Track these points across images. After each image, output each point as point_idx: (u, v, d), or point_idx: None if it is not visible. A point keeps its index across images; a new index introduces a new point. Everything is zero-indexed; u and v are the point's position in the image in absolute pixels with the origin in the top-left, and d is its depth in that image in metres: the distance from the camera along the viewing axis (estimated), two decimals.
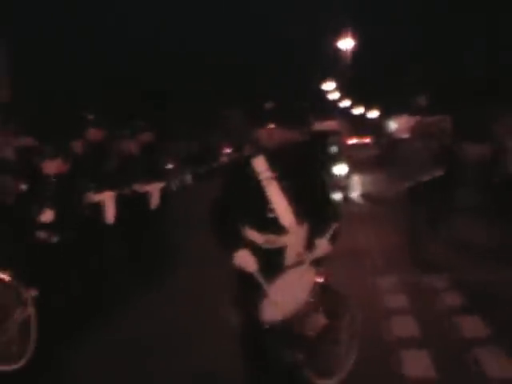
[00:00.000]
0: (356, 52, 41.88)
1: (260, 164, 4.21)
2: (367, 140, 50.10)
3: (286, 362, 3.99)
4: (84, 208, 6.61)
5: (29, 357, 4.94)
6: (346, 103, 59.20)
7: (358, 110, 66.88)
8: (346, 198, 17.35)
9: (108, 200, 7.36)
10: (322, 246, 4.07)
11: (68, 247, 6.23)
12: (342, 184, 17.55)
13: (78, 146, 7.60)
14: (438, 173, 8.54)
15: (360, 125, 54.60)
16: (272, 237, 4.15)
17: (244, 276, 4.05)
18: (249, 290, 4.03)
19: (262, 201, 4.14)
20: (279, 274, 4.02)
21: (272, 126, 4.16)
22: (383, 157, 27.63)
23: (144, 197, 8.30)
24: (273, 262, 4.11)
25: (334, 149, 18.49)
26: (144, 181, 8.32)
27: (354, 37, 40.73)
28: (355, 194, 18.67)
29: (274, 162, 4.20)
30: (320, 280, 3.89)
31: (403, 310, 6.81)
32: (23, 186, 6.40)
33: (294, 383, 4.12)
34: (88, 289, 6.59)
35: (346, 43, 41.34)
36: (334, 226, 4.10)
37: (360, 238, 11.23)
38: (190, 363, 5.60)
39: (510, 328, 5.91)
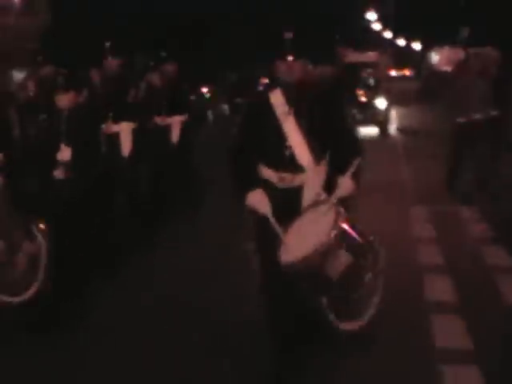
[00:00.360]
0: None
1: (277, 98, 3.96)
2: (407, 72, 48.53)
3: (308, 305, 3.83)
4: (100, 143, 6.12)
5: (37, 289, 4.98)
6: (388, 34, 57.15)
7: (401, 42, 64.63)
8: (385, 132, 16.77)
9: (124, 132, 6.92)
10: (345, 184, 3.76)
11: (86, 185, 5.81)
12: (380, 117, 16.86)
13: (95, 76, 7.13)
14: (492, 112, 8.10)
15: (402, 56, 52.83)
16: (288, 175, 3.93)
17: (259, 218, 3.85)
18: (265, 234, 3.83)
19: (279, 137, 3.92)
20: (296, 216, 3.80)
21: (291, 57, 3.88)
22: (425, 90, 26.73)
23: (165, 130, 7.85)
24: (290, 203, 3.90)
25: (370, 81, 17.62)
26: (166, 113, 7.85)
27: None
28: (394, 127, 18.04)
29: (292, 96, 3.94)
30: (342, 223, 3.59)
31: (430, 239, 6.88)
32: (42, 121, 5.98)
33: (318, 327, 3.98)
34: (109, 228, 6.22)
35: None
36: (357, 162, 3.77)
37: (397, 171, 11.21)
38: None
39: None
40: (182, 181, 7.98)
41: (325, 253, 3.51)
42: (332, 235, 3.51)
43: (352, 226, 3.69)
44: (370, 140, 14.92)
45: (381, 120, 16.84)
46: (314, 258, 3.48)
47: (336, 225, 3.55)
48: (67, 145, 5.81)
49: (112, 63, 7.09)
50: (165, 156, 7.90)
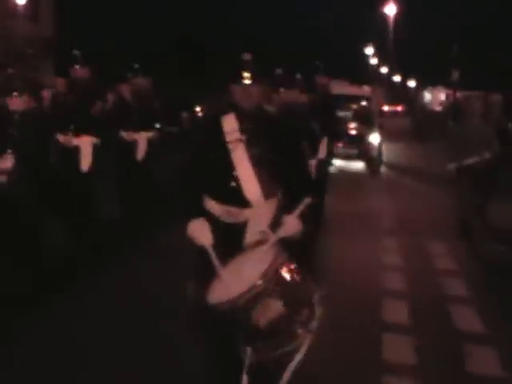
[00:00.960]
0: (400, 19, 40.05)
1: (229, 123, 3.53)
2: (400, 108, 48.18)
3: (232, 353, 3.36)
4: (52, 152, 5.43)
5: None
6: (384, 69, 57.08)
7: (397, 78, 64.62)
8: (376, 169, 15.65)
9: (85, 146, 6.22)
10: (289, 224, 3.39)
11: (25, 198, 5.13)
12: (373, 153, 15.84)
13: (60, 83, 6.46)
14: (488, 155, 7.67)
15: (396, 92, 52.70)
16: (233, 209, 3.50)
17: (200, 250, 3.42)
18: (203, 267, 3.43)
19: (226, 167, 3.49)
20: (237, 254, 3.39)
21: (247, 81, 3.47)
22: (418, 128, 26.30)
23: (130, 146, 7.11)
24: (231, 239, 3.48)
25: (347, 115, 16.46)
26: (133, 129, 7.12)
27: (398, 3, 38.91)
28: (385, 164, 17.01)
29: (246, 123, 3.51)
30: (281, 266, 3.17)
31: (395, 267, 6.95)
32: None
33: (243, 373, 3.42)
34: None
35: (390, 9, 39.63)
36: (306, 201, 3.40)
37: (378, 203, 10.96)
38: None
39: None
40: (145, 195, 7.27)
41: (255, 296, 3.06)
42: (265, 278, 3.07)
43: (293, 273, 3.22)
44: (357, 173, 14.37)
45: (373, 156, 15.84)
46: (241, 301, 3.05)
47: (272, 268, 3.11)
48: (12, 151, 5.15)
49: (82, 72, 6.37)
50: (128, 172, 7.16)
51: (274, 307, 3.09)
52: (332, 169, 13.89)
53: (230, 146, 3.48)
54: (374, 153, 15.87)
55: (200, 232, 3.40)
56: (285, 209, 3.48)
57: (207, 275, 3.35)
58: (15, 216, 5.13)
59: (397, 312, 5.59)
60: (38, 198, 5.23)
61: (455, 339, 5.03)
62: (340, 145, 14.38)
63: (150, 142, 7.27)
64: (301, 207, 3.38)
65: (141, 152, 7.18)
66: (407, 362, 4.64)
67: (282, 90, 5.71)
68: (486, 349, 4.89)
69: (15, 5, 26.63)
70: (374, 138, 16.09)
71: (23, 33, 25.28)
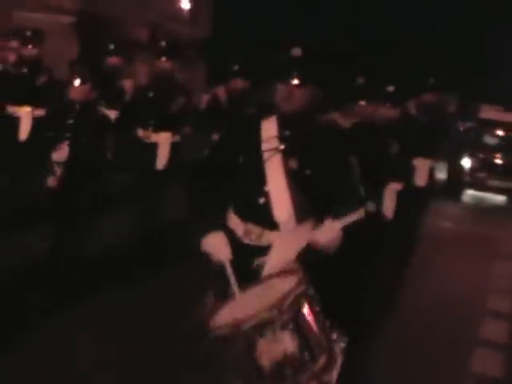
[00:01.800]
0: None
1: (269, 128, 2.91)
2: None
3: None
4: (109, 148, 4.93)
5: None
6: None
7: None
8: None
9: (163, 143, 5.66)
10: (329, 228, 2.75)
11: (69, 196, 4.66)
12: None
13: (143, 75, 5.98)
14: None
15: None
16: (256, 229, 2.89)
17: (215, 267, 2.90)
18: (218, 287, 2.91)
19: (257, 178, 2.87)
20: (253, 283, 2.78)
21: (295, 80, 2.81)
22: None
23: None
24: (249, 265, 2.89)
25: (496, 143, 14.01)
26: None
27: None
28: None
29: (288, 130, 2.90)
30: (303, 294, 2.53)
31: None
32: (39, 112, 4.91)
33: None
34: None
35: None
36: (357, 214, 2.80)
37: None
38: None
39: None
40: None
41: (263, 325, 2.42)
42: (280, 307, 2.43)
43: (316, 314, 2.56)
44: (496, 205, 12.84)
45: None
46: (246, 326, 2.42)
47: (290, 295, 2.48)
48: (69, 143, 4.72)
49: (164, 64, 5.78)
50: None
51: (284, 344, 2.43)
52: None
53: (265, 156, 2.85)
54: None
55: (218, 247, 2.84)
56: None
57: (221, 296, 2.83)
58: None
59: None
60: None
61: None
62: (483, 175, 12.92)
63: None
64: (348, 218, 2.76)
65: (162, 159, 6.09)
66: None
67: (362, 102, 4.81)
68: None
69: (180, 9, 27.82)
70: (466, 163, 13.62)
71: (184, 35, 26.26)
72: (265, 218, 2.87)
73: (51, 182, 4.60)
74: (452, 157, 13.15)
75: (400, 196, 5.09)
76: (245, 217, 2.92)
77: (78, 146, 4.70)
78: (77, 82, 4.78)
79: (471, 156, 13.58)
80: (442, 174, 13.97)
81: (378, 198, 4.72)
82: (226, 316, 2.61)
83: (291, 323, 2.46)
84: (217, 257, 2.85)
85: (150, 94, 5.74)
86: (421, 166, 5.63)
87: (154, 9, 23.30)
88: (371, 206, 4.34)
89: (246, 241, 2.91)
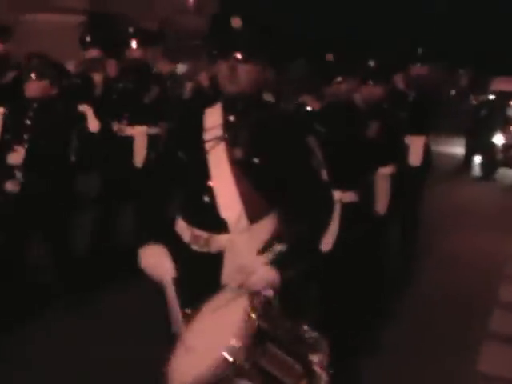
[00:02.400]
0: None
1: (212, 116, 2.48)
2: None
3: None
4: (72, 149, 4.47)
5: None
6: None
7: None
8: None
9: (139, 137, 5.20)
10: (260, 270, 2.23)
11: (32, 200, 4.22)
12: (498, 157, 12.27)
13: (111, 67, 5.49)
14: None
15: None
16: (202, 233, 2.42)
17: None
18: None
19: (200, 173, 2.43)
20: (208, 301, 2.26)
21: (238, 54, 2.35)
22: None
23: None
24: (204, 277, 2.39)
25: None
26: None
27: None
28: None
29: (232, 115, 2.44)
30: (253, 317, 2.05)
31: None
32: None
33: None
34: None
35: None
36: (302, 233, 2.32)
37: None
38: None
39: None
40: None
41: (221, 376, 1.99)
42: (238, 350, 1.98)
43: (277, 338, 2.10)
44: None
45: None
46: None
47: (245, 330, 2.01)
48: (24, 144, 4.26)
49: (134, 52, 5.30)
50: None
51: None
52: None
53: (207, 147, 2.40)
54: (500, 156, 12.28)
55: (157, 263, 2.38)
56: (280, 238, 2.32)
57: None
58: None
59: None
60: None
61: None
62: None
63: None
64: (278, 247, 2.23)
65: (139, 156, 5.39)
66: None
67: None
68: None
69: (186, 1, 27.87)
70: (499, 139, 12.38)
71: (189, 26, 26.17)
72: (211, 220, 2.40)
73: (10, 186, 4.16)
74: (476, 132, 12.45)
75: (394, 180, 4.58)
76: (191, 220, 2.48)
77: (35, 147, 4.25)
78: (32, 78, 4.32)
79: (503, 132, 12.30)
80: (459, 150, 13.50)
81: (367, 188, 4.20)
82: (183, 369, 2.14)
83: (254, 371, 2.04)
84: (157, 274, 2.40)
85: (120, 85, 5.29)
86: (414, 144, 5.08)
87: (160, 3, 23.07)
88: (350, 196, 3.86)
89: (194, 247, 2.46)
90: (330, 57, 3.82)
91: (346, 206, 3.83)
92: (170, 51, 8.16)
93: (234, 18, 2.37)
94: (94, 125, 5.08)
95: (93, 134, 4.96)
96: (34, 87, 4.33)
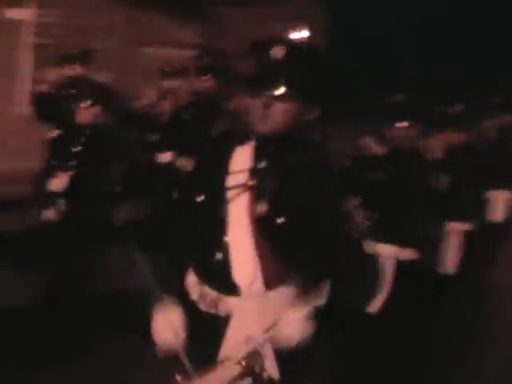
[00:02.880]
0: None
1: (240, 158, 2.08)
2: None
3: None
4: (117, 180, 4.21)
5: None
6: None
7: None
8: None
9: None
10: (288, 327, 1.94)
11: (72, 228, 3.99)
12: None
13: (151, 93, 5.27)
14: None
15: None
16: (213, 294, 2.08)
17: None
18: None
19: (216, 225, 2.05)
20: (209, 369, 1.95)
21: (271, 93, 1.97)
22: None
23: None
24: (207, 342, 2.05)
25: None
26: None
27: None
28: None
29: (262, 158, 2.04)
30: None
31: None
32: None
33: None
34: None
35: None
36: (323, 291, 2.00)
37: None
38: None
39: None
40: None
41: None
42: None
43: None
44: None
45: None
46: None
47: None
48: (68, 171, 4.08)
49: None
50: None
51: None
52: None
53: (230, 194, 2.03)
54: None
55: (164, 326, 2.04)
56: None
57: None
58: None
59: None
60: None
61: None
62: None
63: None
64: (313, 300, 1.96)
65: None
66: None
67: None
68: None
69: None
70: None
71: None
72: (222, 279, 2.05)
73: (48, 214, 3.97)
74: None
75: (469, 238, 3.99)
76: (201, 276, 2.13)
77: (80, 176, 4.05)
78: (85, 104, 4.15)
79: None
80: None
81: (433, 245, 3.68)
82: None
83: None
84: (161, 340, 2.06)
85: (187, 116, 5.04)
86: (497, 198, 4.44)
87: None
88: (408, 253, 3.41)
89: (202, 307, 2.10)
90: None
91: (402, 264, 3.38)
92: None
93: (277, 47, 2.01)
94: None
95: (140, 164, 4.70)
96: (86, 113, 4.16)
